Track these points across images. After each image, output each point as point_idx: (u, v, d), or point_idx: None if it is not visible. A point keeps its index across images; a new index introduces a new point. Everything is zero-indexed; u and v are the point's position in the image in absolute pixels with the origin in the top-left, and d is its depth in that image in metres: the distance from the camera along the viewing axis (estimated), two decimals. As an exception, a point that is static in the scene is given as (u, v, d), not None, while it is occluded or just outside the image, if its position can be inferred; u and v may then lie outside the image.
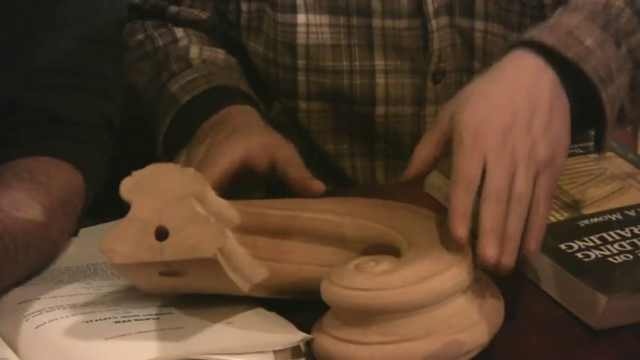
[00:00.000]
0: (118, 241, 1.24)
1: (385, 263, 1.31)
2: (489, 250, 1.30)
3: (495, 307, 1.33)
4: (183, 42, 1.75)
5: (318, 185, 1.49)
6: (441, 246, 1.32)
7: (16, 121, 1.53)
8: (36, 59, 1.52)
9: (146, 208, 1.25)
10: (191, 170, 1.30)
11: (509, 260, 1.32)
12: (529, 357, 1.36)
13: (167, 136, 1.64)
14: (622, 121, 1.57)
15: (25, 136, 1.52)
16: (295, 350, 1.31)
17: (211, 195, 1.30)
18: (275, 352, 1.30)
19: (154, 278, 1.32)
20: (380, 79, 1.74)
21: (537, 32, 1.48)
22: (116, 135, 1.61)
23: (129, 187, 1.27)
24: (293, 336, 1.31)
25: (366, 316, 1.27)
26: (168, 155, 1.63)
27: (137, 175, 1.28)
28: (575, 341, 1.38)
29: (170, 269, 1.27)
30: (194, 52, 1.72)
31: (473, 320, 1.29)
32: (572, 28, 1.48)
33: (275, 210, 1.42)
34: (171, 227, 1.24)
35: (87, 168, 1.53)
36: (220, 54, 1.77)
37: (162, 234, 1.24)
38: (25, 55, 1.51)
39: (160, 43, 1.75)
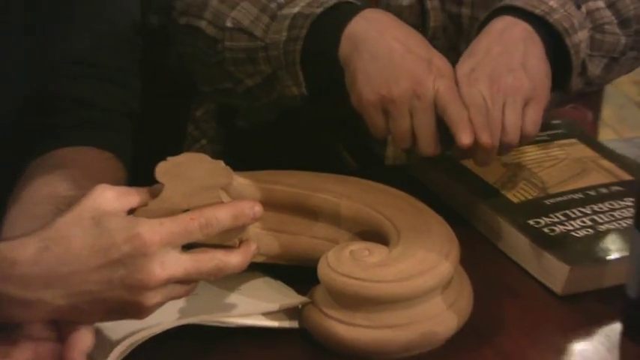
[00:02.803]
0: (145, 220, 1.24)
1: (377, 254, 1.35)
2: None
3: (466, 301, 1.37)
4: None
5: None
6: (428, 245, 1.36)
7: (50, 108, 1.52)
8: (63, 53, 1.53)
9: (176, 192, 1.25)
10: (221, 163, 1.29)
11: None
12: (504, 319, 1.39)
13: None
14: (584, 75, 1.61)
15: (63, 123, 1.52)
16: (293, 310, 1.36)
17: (235, 182, 1.31)
18: (273, 313, 1.35)
19: None
20: None
21: (509, 1, 1.57)
22: (136, 121, 1.60)
23: (163, 170, 1.26)
24: (294, 299, 1.36)
25: (356, 302, 1.31)
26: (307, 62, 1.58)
27: (171, 160, 1.28)
28: (542, 305, 1.42)
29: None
30: None
31: (447, 314, 1.33)
32: None
33: (281, 186, 1.44)
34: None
35: (122, 156, 1.53)
36: None
37: None
38: (54, 49, 1.52)
39: None
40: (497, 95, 1.45)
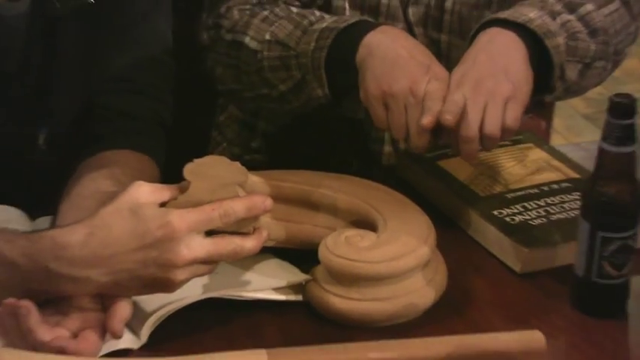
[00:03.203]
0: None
1: (367, 239, 1.36)
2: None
3: (441, 278, 1.38)
4: (303, 10, 1.70)
5: None
6: (409, 231, 1.37)
7: (98, 117, 1.51)
8: (109, 72, 1.52)
9: (201, 188, 1.26)
10: (237, 164, 1.30)
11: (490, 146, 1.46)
12: (472, 293, 1.41)
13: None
14: (563, 79, 1.57)
15: (108, 130, 1.51)
16: (297, 286, 1.38)
17: (250, 180, 1.32)
18: (281, 288, 1.37)
19: None
20: None
21: (494, 15, 1.56)
22: (167, 128, 1.59)
23: (190, 170, 1.27)
24: (298, 277, 1.38)
25: (350, 279, 1.33)
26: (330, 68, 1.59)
27: (197, 162, 1.29)
28: (505, 282, 1.44)
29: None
30: (312, 17, 1.65)
31: (426, 289, 1.35)
32: (518, 9, 1.56)
33: (288, 183, 1.44)
34: None
35: (156, 157, 1.52)
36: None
37: None
38: (101, 67, 1.52)
39: (287, 11, 1.68)
40: (479, 97, 1.44)
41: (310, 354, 1.21)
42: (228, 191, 1.28)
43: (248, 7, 1.70)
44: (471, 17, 1.71)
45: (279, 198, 1.38)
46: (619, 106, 1.30)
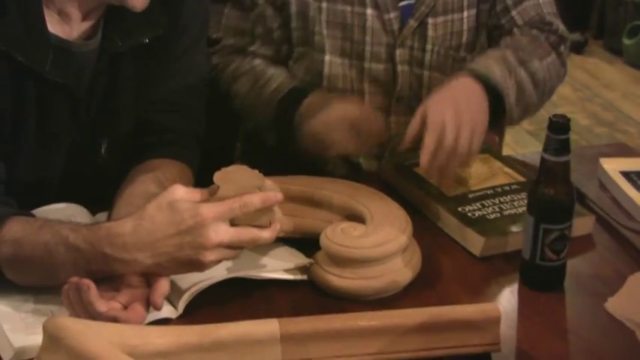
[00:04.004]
0: None
1: (359, 229, 1.36)
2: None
3: (417, 260, 1.38)
4: (262, 65, 1.68)
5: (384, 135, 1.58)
6: (391, 223, 1.37)
7: (147, 131, 1.51)
8: (157, 95, 1.51)
9: (228, 192, 1.25)
10: (256, 171, 1.29)
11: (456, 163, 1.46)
12: (442, 273, 1.40)
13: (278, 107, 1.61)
14: (511, 121, 1.61)
15: (154, 142, 1.50)
16: (303, 268, 1.37)
17: (266, 184, 1.30)
18: (290, 269, 1.36)
19: None
20: (367, 97, 1.70)
21: (470, 66, 1.57)
22: (201, 142, 1.57)
23: (218, 177, 1.27)
24: (304, 260, 1.37)
25: (345, 262, 1.33)
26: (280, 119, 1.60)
27: (224, 170, 1.29)
28: (467, 264, 1.43)
29: None
30: (269, 71, 1.66)
31: (405, 269, 1.35)
32: (486, 62, 1.57)
33: (294, 185, 1.44)
34: None
35: (191, 165, 1.51)
36: (283, 70, 1.69)
37: None
38: (150, 91, 1.51)
39: (249, 66, 1.68)
40: (451, 123, 1.43)
41: (313, 322, 1.20)
42: (249, 193, 1.26)
43: (225, 54, 1.70)
44: (448, 55, 1.70)
45: (286, 197, 1.36)
46: (557, 124, 1.30)
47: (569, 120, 1.30)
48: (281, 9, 1.67)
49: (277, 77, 1.65)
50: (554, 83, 1.71)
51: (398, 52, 1.68)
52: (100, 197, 1.43)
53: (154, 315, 1.26)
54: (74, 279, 1.20)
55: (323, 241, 1.35)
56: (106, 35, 1.43)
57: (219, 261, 1.25)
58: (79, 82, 1.42)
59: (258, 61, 1.69)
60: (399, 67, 1.69)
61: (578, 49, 4.22)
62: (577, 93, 3.98)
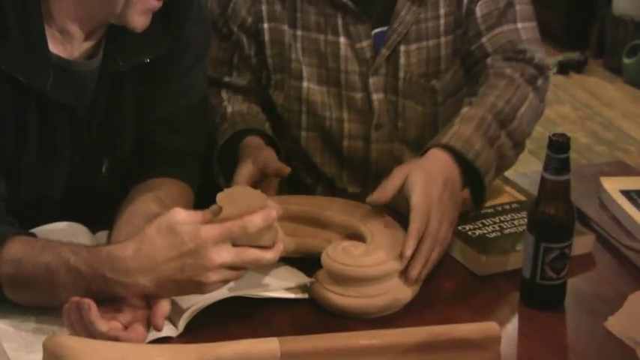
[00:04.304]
0: None
1: (359, 248, 1.36)
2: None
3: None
4: (224, 103, 1.66)
5: (285, 170, 1.51)
6: (391, 242, 1.36)
7: (147, 150, 1.51)
8: (157, 115, 1.51)
9: (231, 212, 1.24)
10: (259, 192, 1.29)
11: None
12: (442, 291, 1.40)
13: (219, 160, 1.60)
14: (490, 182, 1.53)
15: (155, 161, 1.49)
16: (304, 287, 1.37)
17: (269, 204, 1.28)
18: (291, 288, 1.36)
19: None
20: (346, 125, 1.68)
21: (447, 138, 1.46)
22: (202, 160, 1.57)
23: (221, 197, 1.26)
24: (304, 279, 1.37)
25: (347, 280, 1.33)
26: (222, 169, 1.59)
27: (227, 191, 1.28)
28: (467, 282, 1.43)
29: None
30: (229, 109, 1.65)
31: (405, 287, 1.35)
32: (469, 137, 1.47)
33: (293, 205, 1.44)
34: None
35: (192, 184, 1.51)
36: (245, 108, 1.67)
37: None
38: (151, 111, 1.50)
39: (214, 105, 1.66)
40: (437, 212, 1.38)
41: (313, 340, 1.20)
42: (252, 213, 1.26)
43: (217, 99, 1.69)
44: (419, 84, 1.67)
45: (287, 217, 1.36)
46: (556, 143, 1.30)
47: (569, 139, 1.30)
48: (256, 36, 1.66)
49: (225, 121, 1.63)
50: (533, 126, 1.64)
51: (371, 80, 1.66)
52: (101, 215, 1.43)
53: (155, 334, 1.26)
54: (75, 298, 1.20)
55: (324, 259, 1.34)
56: (107, 54, 1.43)
57: (222, 282, 1.25)
58: (80, 102, 1.42)
59: (224, 95, 1.68)
60: (374, 96, 1.66)
61: (578, 67, 4.24)
62: (577, 112, 3.98)
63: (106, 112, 1.46)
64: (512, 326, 1.33)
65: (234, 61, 1.69)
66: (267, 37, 1.65)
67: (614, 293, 1.39)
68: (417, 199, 1.38)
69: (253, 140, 1.59)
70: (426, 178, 1.40)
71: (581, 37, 4.28)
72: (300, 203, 1.47)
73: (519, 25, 1.65)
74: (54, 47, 1.38)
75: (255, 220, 1.24)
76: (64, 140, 1.44)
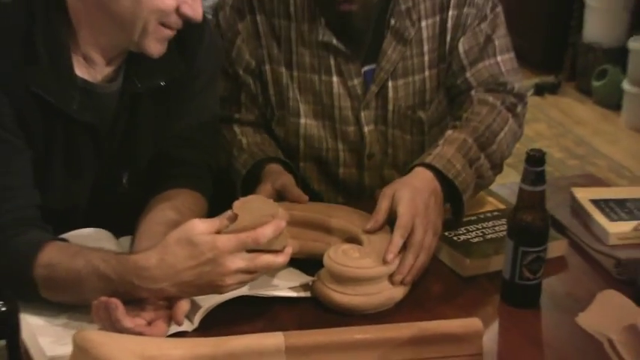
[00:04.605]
0: None
1: (358, 252, 1.36)
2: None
3: None
4: (238, 137, 1.63)
5: (304, 198, 1.50)
6: (385, 246, 1.35)
7: (164, 164, 1.50)
8: (173, 131, 1.51)
9: (245, 220, 1.24)
10: (271, 200, 1.30)
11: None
12: (430, 291, 1.40)
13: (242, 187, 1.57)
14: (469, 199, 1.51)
15: (171, 173, 1.49)
16: (307, 285, 1.37)
17: (279, 212, 1.28)
18: (295, 287, 1.36)
19: None
20: (340, 154, 1.66)
21: (430, 158, 1.46)
22: (213, 173, 1.55)
23: (238, 206, 1.26)
24: (307, 278, 1.38)
25: (347, 280, 1.33)
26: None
27: (242, 199, 1.28)
28: (453, 283, 1.43)
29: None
30: (244, 141, 1.62)
31: (398, 287, 1.35)
32: (451, 158, 1.47)
33: (297, 211, 1.43)
34: None
35: (205, 194, 1.50)
36: (259, 138, 1.65)
37: None
38: (167, 128, 1.50)
39: (228, 139, 1.64)
40: (422, 224, 1.38)
41: (315, 335, 1.21)
42: (265, 221, 1.26)
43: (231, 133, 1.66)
44: (407, 115, 1.65)
45: (292, 222, 1.35)
46: (533, 158, 1.30)
47: (544, 154, 1.31)
48: (259, 77, 1.64)
49: (244, 152, 1.62)
50: (511, 148, 1.62)
51: (363, 114, 1.63)
52: (123, 222, 1.44)
53: (173, 328, 1.26)
54: (103, 298, 1.21)
55: (326, 261, 1.34)
56: (126, 78, 1.44)
57: (238, 284, 1.26)
58: (102, 121, 1.43)
59: (237, 129, 1.65)
60: (366, 128, 1.64)
61: (553, 90, 4.24)
62: (552, 129, 3.99)
63: (125, 129, 1.46)
64: (494, 322, 1.34)
65: (241, 99, 1.66)
66: (268, 78, 1.64)
67: (585, 292, 1.39)
68: (402, 209, 1.38)
69: (273, 167, 1.58)
70: (411, 192, 1.40)
71: (556, 62, 4.29)
72: (304, 209, 1.47)
73: (499, 58, 1.64)
74: (79, 72, 1.39)
75: (267, 232, 1.24)
76: (88, 155, 1.44)
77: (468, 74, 1.63)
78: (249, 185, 1.56)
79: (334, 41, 1.58)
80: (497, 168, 1.57)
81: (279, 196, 1.50)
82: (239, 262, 1.23)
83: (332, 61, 1.62)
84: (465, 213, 1.50)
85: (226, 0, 1.63)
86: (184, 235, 1.23)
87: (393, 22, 1.59)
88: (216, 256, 1.22)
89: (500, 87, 1.63)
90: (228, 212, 1.27)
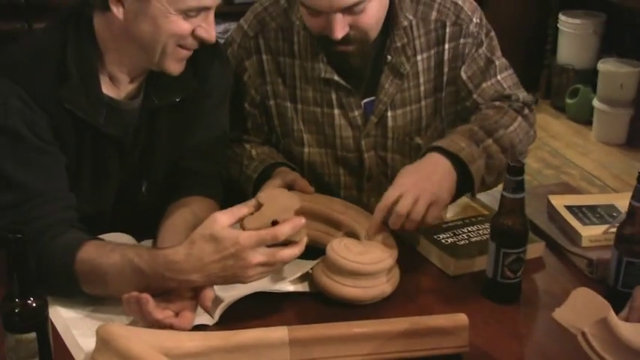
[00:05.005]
0: (251, 223, 1.23)
1: (358, 247, 1.35)
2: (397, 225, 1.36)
3: (397, 276, 1.36)
4: (248, 149, 1.60)
5: (309, 189, 1.49)
6: (383, 244, 1.36)
7: (180, 174, 1.49)
8: (187, 145, 1.49)
9: (270, 210, 1.24)
10: (293, 194, 1.30)
11: (410, 226, 1.38)
12: (420, 288, 1.39)
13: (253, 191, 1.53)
14: (484, 184, 1.50)
15: (185, 183, 1.48)
16: (308, 277, 1.36)
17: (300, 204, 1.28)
18: (298, 279, 1.35)
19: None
20: (342, 178, 1.63)
21: (435, 142, 1.46)
22: (224, 180, 1.54)
23: (262, 196, 1.26)
24: (307, 267, 1.36)
25: (347, 272, 1.32)
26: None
27: (267, 191, 1.29)
28: (441, 281, 1.42)
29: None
30: (254, 152, 1.59)
31: (389, 282, 1.34)
32: (454, 137, 1.46)
33: (306, 202, 1.39)
34: (280, 222, 1.24)
35: (217, 201, 1.49)
36: (267, 149, 1.61)
37: (274, 224, 1.25)
38: (183, 141, 1.49)
39: (238, 153, 1.60)
40: (415, 191, 1.36)
41: (316, 329, 1.20)
42: (287, 212, 1.25)
43: (240, 148, 1.63)
44: (405, 141, 1.62)
45: (300, 212, 1.33)
46: (513, 168, 1.30)
47: (523, 165, 1.30)
48: (265, 110, 1.61)
49: (254, 160, 1.58)
50: (525, 144, 1.60)
51: (363, 142, 1.60)
52: (143, 227, 1.43)
53: (197, 320, 1.26)
54: (134, 293, 1.21)
55: (329, 252, 1.33)
56: (146, 95, 1.44)
57: (259, 275, 1.25)
58: (125, 134, 1.43)
59: (247, 145, 1.62)
60: (366, 154, 1.61)
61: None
62: (529, 142, 3.99)
63: (145, 142, 1.46)
64: (478, 317, 1.32)
65: (248, 126, 1.63)
66: (273, 112, 1.61)
67: (560, 290, 1.38)
68: (396, 181, 1.38)
69: (283, 168, 1.57)
70: (408, 169, 1.40)
71: (532, 82, 4.28)
72: (311, 200, 1.46)
73: (499, 77, 1.62)
74: (105, 90, 1.39)
75: (285, 230, 1.24)
76: (113, 165, 1.44)
77: (475, 95, 1.60)
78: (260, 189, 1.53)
79: (335, 77, 1.56)
80: (508, 152, 1.52)
81: (288, 189, 1.48)
82: (259, 256, 1.22)
83: (333, 95, 1.58)
84: (477, 186, 1.46)
85: (234, 38, 1.61)
86: (208, 231, 1.22)
87: (389, 58, 1.56)
88: (239, 250, 1.21)
89: (505, 99, 1.61)
90: (253, 201, 1.26)
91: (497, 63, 1.62)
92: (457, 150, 1.44)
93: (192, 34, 1.36)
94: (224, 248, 1.21)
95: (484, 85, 1.61)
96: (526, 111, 1.61)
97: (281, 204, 1.25)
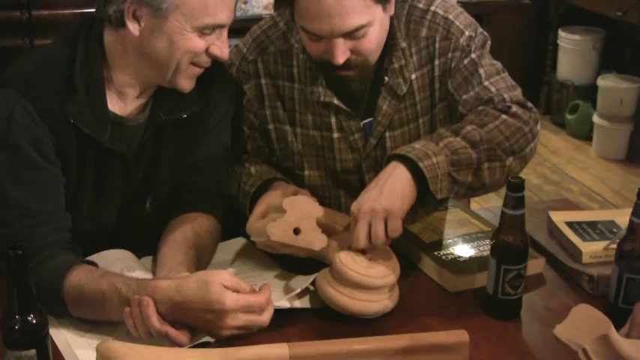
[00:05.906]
0: (275, 229, 1.23)
1: (364, 261, 1.33)
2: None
3: (397, 293, 1.36)
4: (247, 167, 1.57)
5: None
6: (387, 260, 1.35)
7: (183, 190, 1.49)
8: (188, 163, 1.49)
9: (292, 217, 1.25)
10: (316, 203, 1.28)
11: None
12: (420, 304, 1.38)
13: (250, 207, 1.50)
14: (457, 183, 1.39)
15: (187, 199, 1.47)
16: (306, 298, 1.35)
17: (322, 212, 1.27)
18: (296, 298, 1.34)
19: (281, 248, 1.34)
20: (342, 199, 1.61)
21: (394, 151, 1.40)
22: (225, 198, 1.53)
23: (287, 202, 1.26)
24: (307, 280, 1.35)
25: (354, 284, 1.31)
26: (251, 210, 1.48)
27: (292, 198, 1.28)
28: (441, 298, 1.41)
29: (294, 249, 1.28)
30: (252, 169, 1.56)
31: (391, 297, 1.34)
32: (413, 143, 1.40)
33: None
34: (301, 229, 1.24)
35: (219, 218, 1.48)
36: (265, 167, 1.59)
37: (296, 231, 1.25)
38: (185, 158, 1.49)
39: (237, 171, 1.57)
40: (363, 217, 1.32)
41: (316, 346, 1.20)
42: (309, 220, 1.25)
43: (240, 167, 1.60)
44: None
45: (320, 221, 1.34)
46: (514, 184, 1.30)
47: (523, 181, 1.30)
48: (264, 134, 1.60)
49: (252, 177, 1.56)
50: (520, 142, 1.47)
51: (364, 164, 1.59)
52: (145, 243, 1.42)
53: (196, 338, 1.25)
54: (136, 296, 1.20)
55: (337, 263, 1.32)
56: (152, 110, 1.44)
57: (231, 335, 1.24)
58: (129, 150, 1.43)
59: (247, 164, 1.60)
60: (367, 176, 1.59)
61: (530, 122, 4.27)
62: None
63: (149, 158, 1.46)
64: (479, 333, 1.31)
65: (248, 148, 1.62)
66: (273, 136, 1.60)
67: (561, 306, 1.38)
68: (352, 206, 1.34)
69: (281, 182, 1.54)
70: (358, 200, 1.34)
71: (532, 98, 4.28)
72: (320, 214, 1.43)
73: (486, 83, 1.53)
74: (111, 106, 1.40)
75: (262, 299, 1.24)
76: (116, 181, 1.44)
77: (460, 107, 1.55)
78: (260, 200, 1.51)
79: (335, 101, 1.54)
80: (478, 146, 1.41)
81: None
82: (238, 320, 1.22)
83: (333, 119, 1.57)
84: (444, 184, 1.37)
85: (233, 61, 1.59)
86: (205, 277, 1.22)
87: (386, 79, 1.54)
88: (220, 311, 1.21)
89: (488, 103, 1.51)
90: (279, 205, 1.25)
91: (481, 71, 1.53)
92: (406, 151, 1.37)
93: (206, 51, 1.36)
94: (209, 302, 1.20)
95: (465, 96, 1.53)
96: (514, 109, 1.49)
97: (304, 211, 1.25)
